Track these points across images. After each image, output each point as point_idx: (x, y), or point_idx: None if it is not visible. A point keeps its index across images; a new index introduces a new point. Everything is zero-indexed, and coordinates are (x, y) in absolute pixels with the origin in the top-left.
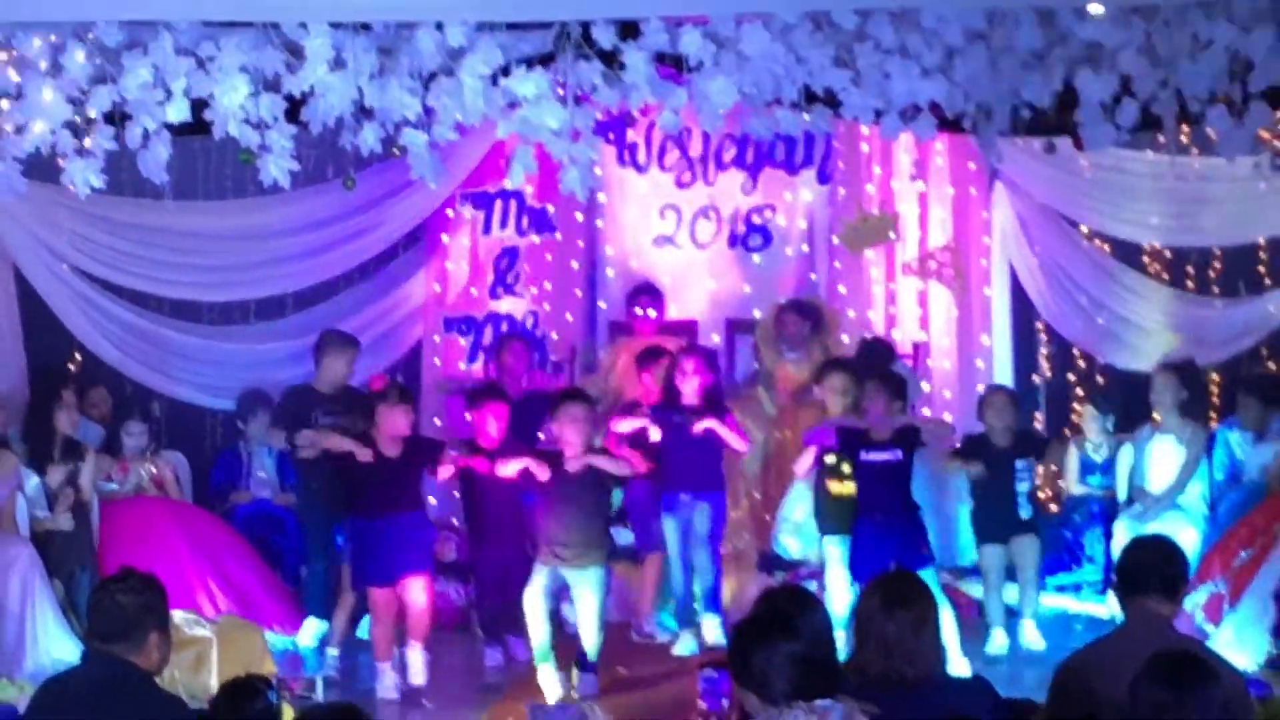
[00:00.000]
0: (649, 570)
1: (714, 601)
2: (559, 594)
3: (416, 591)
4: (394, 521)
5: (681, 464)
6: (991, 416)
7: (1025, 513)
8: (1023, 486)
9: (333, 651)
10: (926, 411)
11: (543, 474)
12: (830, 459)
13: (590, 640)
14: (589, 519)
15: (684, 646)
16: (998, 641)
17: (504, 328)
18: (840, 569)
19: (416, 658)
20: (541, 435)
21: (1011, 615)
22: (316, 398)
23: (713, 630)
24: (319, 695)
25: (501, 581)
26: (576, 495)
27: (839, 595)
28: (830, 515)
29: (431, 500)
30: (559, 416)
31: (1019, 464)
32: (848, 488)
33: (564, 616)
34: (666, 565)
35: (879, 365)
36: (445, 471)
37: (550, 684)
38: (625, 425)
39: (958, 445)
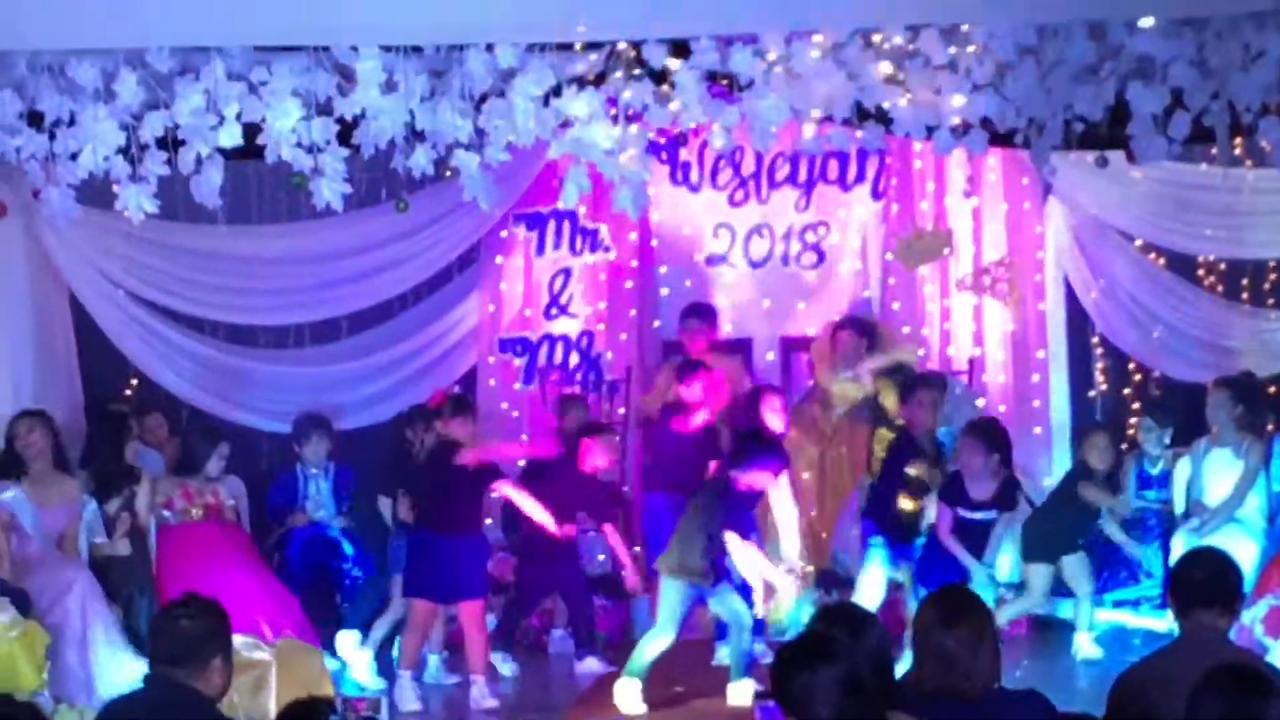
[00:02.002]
0: None
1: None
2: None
3: (476, 618)
4: (457, 542)
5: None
6: (1095, 459)
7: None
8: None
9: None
10: None
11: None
12: (913, 472)
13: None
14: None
15: (723, 655)
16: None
17: (559, 349)
18: (880, 567)
19: (483, 690)
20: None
21: (1069, 629)
22: None
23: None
24: (384, 717)
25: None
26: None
27: (872, 591)
28: (888, 521)
29: (488, 520)
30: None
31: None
32: (917, 505)
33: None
34: None
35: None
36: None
37: (633, 700)
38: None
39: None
